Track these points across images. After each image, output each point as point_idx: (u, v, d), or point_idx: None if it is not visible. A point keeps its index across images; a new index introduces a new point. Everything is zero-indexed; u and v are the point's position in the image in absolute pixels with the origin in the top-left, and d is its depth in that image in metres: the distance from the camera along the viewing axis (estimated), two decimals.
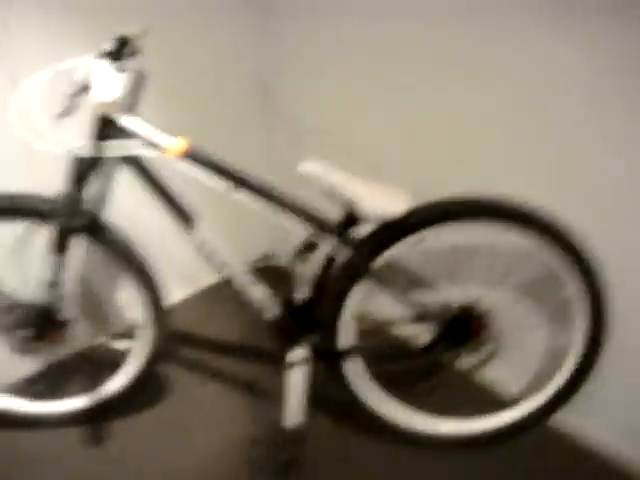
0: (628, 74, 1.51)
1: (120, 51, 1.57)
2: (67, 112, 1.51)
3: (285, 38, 2.41)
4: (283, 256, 2.61)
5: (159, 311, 1.87)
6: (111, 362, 2.15)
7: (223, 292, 2.72)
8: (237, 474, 1.83)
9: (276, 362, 2.20)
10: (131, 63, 1.58)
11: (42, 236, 1.91)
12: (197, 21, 2.25)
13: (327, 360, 1.80)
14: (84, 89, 1.48)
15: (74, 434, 1.97)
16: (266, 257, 2.90)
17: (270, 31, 2.44)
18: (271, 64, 2.52)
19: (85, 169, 1.59)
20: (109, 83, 1.39)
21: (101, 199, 1.67)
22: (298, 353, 1.73)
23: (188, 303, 2.57)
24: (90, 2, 1.94)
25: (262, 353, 2.31)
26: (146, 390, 2.06)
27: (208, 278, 2.80)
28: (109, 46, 1.57)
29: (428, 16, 1.87)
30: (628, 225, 1.64)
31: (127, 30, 1.63)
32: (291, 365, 1.73)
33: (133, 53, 1.61)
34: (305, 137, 2.49)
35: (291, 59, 2.44)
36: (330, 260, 1.70)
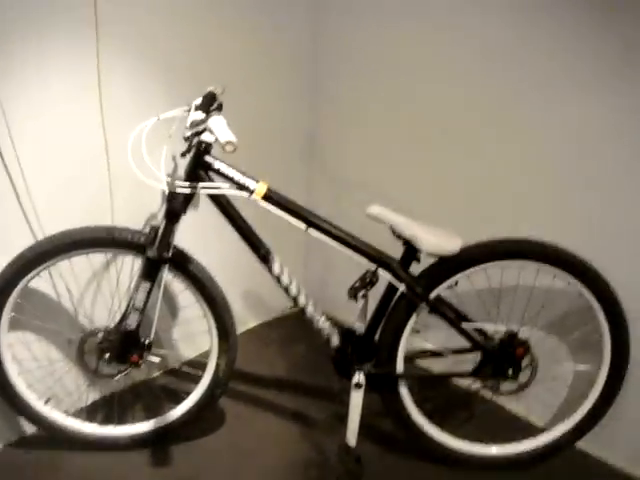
0: None
1: (210, 105, 1.81)
2: (187, 151, 1.74)
3: (331, 97, 2.76)
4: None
5: (229, 342, 2.04)
6: (176, 388, 2.37)
7: (265, 334, 2.99)
8: None
9: (322, 395, 2.40)
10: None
11: (126, 266, 2.13)
12: (256, 82, 2.57)
13: (384, 384, 1.99)
14: (198, 134, 1.71)
15: (140, 456, 2.10)
16: None
17: (317, 89, 2.80)
18: (317, 120, 2.85)
19: (180, 206, 1.80)
20: (224, 129, 1.61)
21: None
22: (357, 378, 1.91)
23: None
24: (167, 71, 2.23)
25: (308, 387, 2.50)
26: (204, 418, 2.20)
27: (252, 320, 3.05)
28: (200, 101, 1.82)
29: (461, 78, 2.20)
30: None
31: (212, 88, 1.88)
32: (353, 388, 1.90)
33: (219, 107, 1.85)
34: (343, 186, 2.78)
35: (335, 114, 2.77)
36: (389, 293, 1.92)
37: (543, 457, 2.08)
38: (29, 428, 2.16)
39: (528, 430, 2.16)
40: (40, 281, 1.99)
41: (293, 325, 3.01)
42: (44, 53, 1.86)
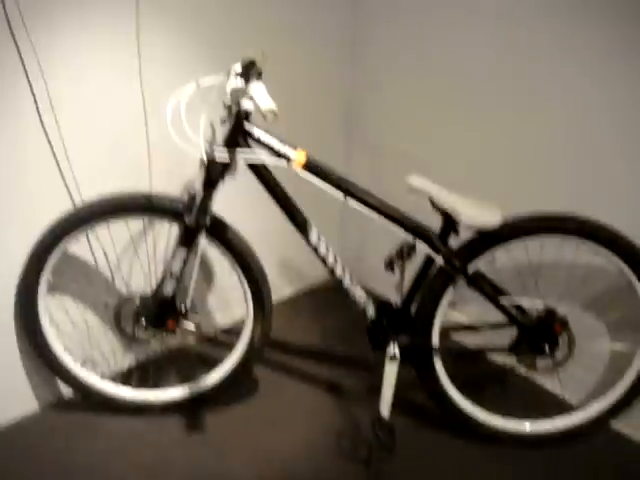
0: None
1: (249, 72, 1.78)
2: (227, 118, 1.73)
3: (370, 63, 2.72)
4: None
5: (265, 310, 2.05)
6: (210, 355, 2.37)
7: (299, 303, 3.00)
8: (327, 462, 1.99)
9: (355, 366, 2.40)
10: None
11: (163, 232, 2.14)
12: (298, 48, 2.55)
13: (418, 357, 1.98)
14: (238, 101, 1.70)
15: (173, 422, 2.13)
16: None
17: (357, 58, 2.76)
18: (357, 89, 2.82)
19: (218, 173, 1.79)
20: (265, 96, 1.59)
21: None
22: (392, 350, 1.90)
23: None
24: (206, 37, 2.20)
25: (342, 358, 2.51)
26: (237, 386, 2.22)
27: (286, 289, 3.04)
28: (240, 67, 1.79)
29: (510, 46, 2.13)
30: None
31: (252, 54, 1.85)
32: (388, 360, 1.90)
33: (259, 74, 1.82)
34: (381, 156, 2.76)
35: (375, 84, 2.73)
36: (426, 266, 1.90)
37: (576, 435, 2.06)
38: (67, 390, 2.20)
39: (562, 407, 2.14)
40: (78, 246, 2.01)
41: (327, 295, 3.01)
42: (84, 17, 1.85)
